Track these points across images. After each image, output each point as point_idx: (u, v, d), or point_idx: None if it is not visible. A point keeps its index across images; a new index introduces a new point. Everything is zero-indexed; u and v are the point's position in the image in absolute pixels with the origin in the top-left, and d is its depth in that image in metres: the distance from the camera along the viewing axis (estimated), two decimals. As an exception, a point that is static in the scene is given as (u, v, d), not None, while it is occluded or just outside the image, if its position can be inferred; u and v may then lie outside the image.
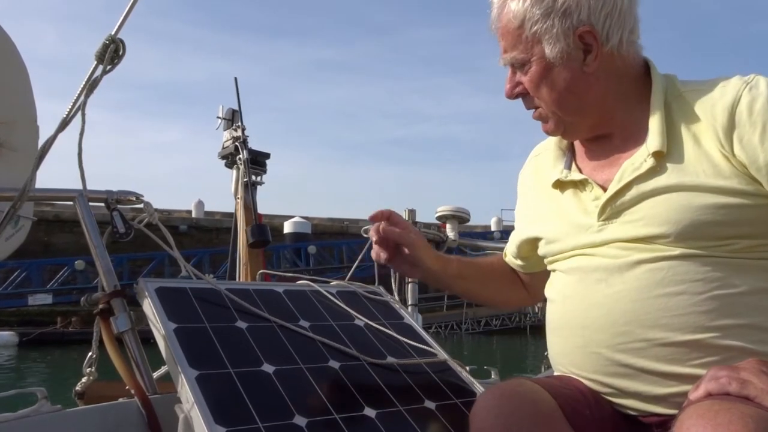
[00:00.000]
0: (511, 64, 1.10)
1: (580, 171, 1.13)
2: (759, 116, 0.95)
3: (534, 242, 1.22)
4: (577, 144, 1.18)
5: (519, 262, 1.34)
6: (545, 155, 1.23)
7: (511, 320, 22.33)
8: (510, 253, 1.35)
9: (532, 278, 1.35)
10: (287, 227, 22.61)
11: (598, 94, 1.07)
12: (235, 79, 2.35)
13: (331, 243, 23.65)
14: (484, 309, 23.17)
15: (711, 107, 1.00)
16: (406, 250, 1.28)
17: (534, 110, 1.13)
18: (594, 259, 1.05)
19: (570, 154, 1.17)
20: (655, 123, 1.04)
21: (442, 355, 1.41)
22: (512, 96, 1.12)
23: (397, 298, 1.68)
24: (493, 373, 1.68)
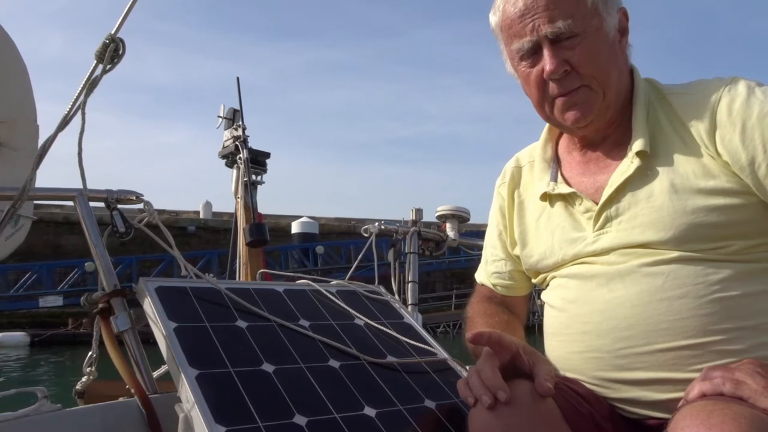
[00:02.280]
0: (557, 35, 1.02)
1: (567, 183, 1.12)
2: (738, 116, 0.95)
3: (521, 261, 1.22)
4: (562, 154, 1.17)
5: (509, 282, 1.30)
6: (527, 168, 1.22)
7: (520, 320, 22.22)
8: (494, 275, 1.30)
9: (514, 302, 1.31)
10: (295, 227, 22.66)
11: (628, 78, 1.08)
12: (237, 78, 2.37)
13: (339, 243, 23.69)
14: (493, 309, 23.10)
15: (693, 109, 1.00)
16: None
17: (569, 94, 1.05)
18: (594, 266, 1.05)
19: (555, 165, 1.16)
20: (638, 125, 1.04)
21: (442, 354, 1.40)
22: (558, 73, 1.03)
23: (397, 297, 1.67)
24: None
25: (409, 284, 2.03)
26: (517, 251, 1.24)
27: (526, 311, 1.32)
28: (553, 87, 1.05)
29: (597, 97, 1.05)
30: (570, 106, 1.06)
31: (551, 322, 1.12)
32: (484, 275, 1.34)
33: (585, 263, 1.06)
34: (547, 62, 1.03)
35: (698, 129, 0.99)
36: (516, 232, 1.22)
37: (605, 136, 1.10)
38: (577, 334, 1.05)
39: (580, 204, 1.08)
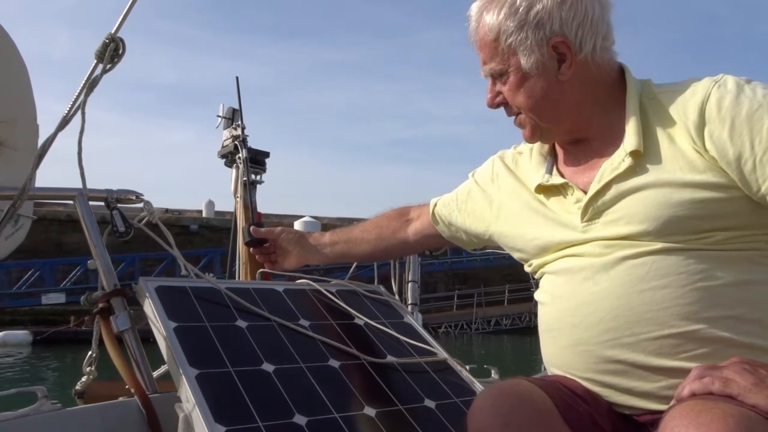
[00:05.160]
0: (490, 75, 1.13)
1: (562, 175, 1.14)
2: (727, 113, 0.97)
3: (486, 236, 1.30)
4: (558, 149, 1.20)
5: (443, 228, 1.41)
6: (526, 155, 1.25)
7: (522, 320, 22.27)
8: (442, 217, 1.41)
9: (428, 237, 1.46)
10: (297, 227, 22.55)
11: (573, 101, 1.10)
12: (237, 78, 2.37)
13: (341, 242, 23.60)
14: (494, 309, 23.16)
15: (683, 106, 1.02)
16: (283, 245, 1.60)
17: (515, 117, 1.16)
18: (580, 260, 1.06)
19: (551, 159, 1.19)
20: (631, 124, 1.06)
21: (442, 354, 1.41)
22: (493, 105, 1.16)
23: (397, 297, 1.68)
24: (493, 372, 1.68)
25: (409, 284, 2.03)
26: (477, 224, 1.31)
27: (417, 242, 1.51)
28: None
29: (533, 122, 1.13)
30: (518, 126, 1.17)
31: (543, 318, 1.14)
32: (436, 199, 1.45)
33: (572, 256, 1.07)
34: (487, 94, 1.16)
35: (687, 125, 1.00)
36: (500, 212, 1.25)
37: (598, 132, 1.12)
38: (567, 327, 1.06)
39: (572, 194, 1.10)
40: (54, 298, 18.95)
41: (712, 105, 0.98)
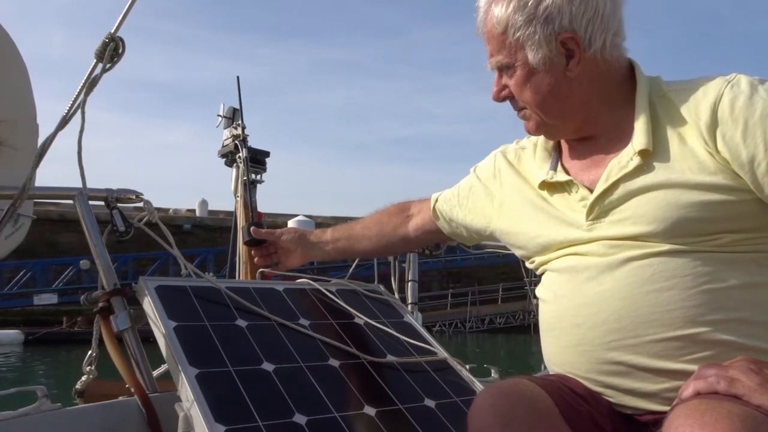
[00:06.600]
0: (497, 68, 1.12)
1: (566, 172, 1.13)
2: (741, 113, 0.96)
3: (487, 232, 1.29)
4: (563, 144, 1.19)
5: (444, 224, 1.40)
6: (529, 150, 1.24)
7: (516, 318, 22.33)
8: (443, 212, 1.39)
9: (429, 233, 1.46)
10: (290, 226, 22.56)
11: (581, 98, 1.09)
12: (237, 77, 2.37)
13: (336, 242, 23.56)
14: (489, 307, 23.20)
15: (694, 106, 1.00)
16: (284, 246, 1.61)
17: (520, 111, 1.15)
18: (584, 258, 1.05)
19: (556, 155, 1.18)
20: (640, 122, 1.04)
21: (442, 353, 1.41)
22: (499, 99, 1.15)
23: (397, 296, 1.68)
24: (493, 371, 1.69)
25: (409, 283, 2.03)
26: (479, 220, 1.30)
27: (418, 238, 1.50)
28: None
29: (538, 118, 1.12)
30: (522, 118, 1.16)
31: (544, 317, 1.13)
32: (437, 194, 1.43)
33: (576, 255, 1.07)
34: (492, 87, 1.15)
35: (699, 125, 0.99)
36: (502, 208, 1.24)
37: (605, 130, 1.11)
38: (570, 327, 1.05)
39: (576, 192, 1.09)
40: (46, 299, 18.86)
41: (725, 105, 0.97)
